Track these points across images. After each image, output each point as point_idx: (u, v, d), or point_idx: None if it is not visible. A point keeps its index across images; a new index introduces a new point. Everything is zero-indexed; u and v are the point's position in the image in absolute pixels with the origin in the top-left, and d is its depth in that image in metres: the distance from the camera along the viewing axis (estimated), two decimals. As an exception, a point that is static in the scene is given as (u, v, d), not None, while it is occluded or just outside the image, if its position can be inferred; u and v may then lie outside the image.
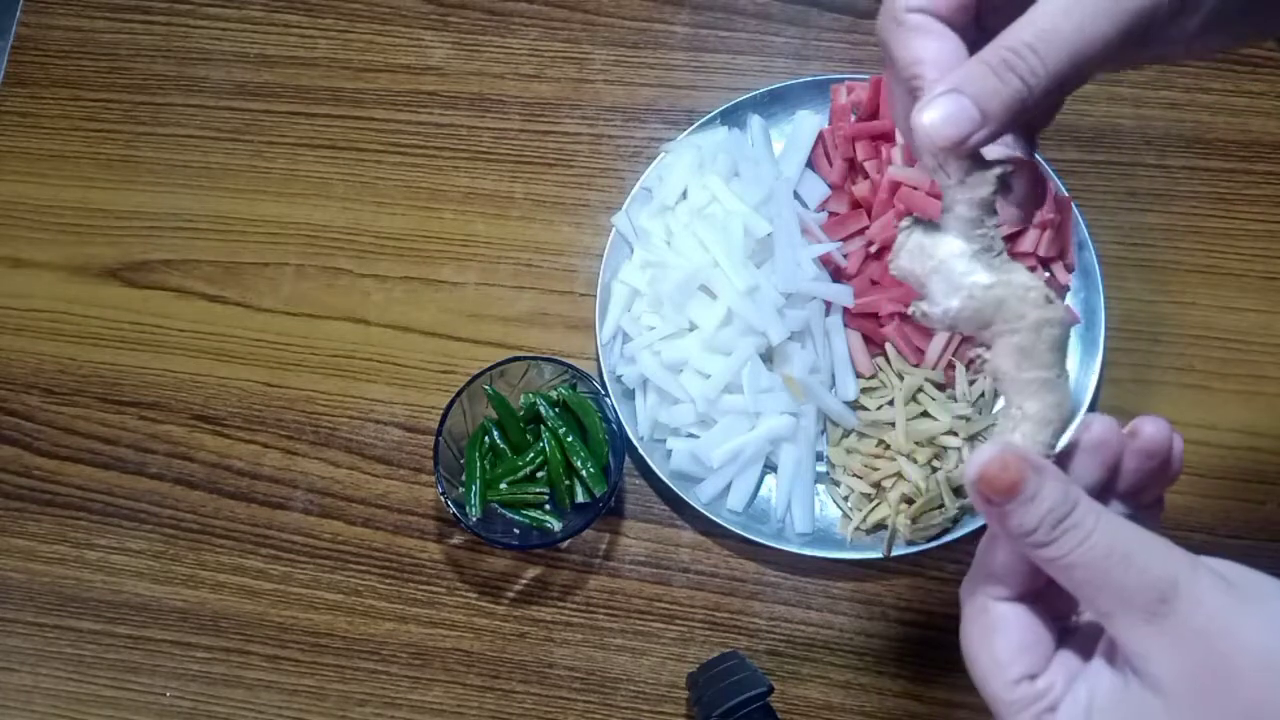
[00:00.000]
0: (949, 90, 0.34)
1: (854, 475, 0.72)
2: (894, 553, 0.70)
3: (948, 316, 0.38)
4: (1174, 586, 0.33)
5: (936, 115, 0.34)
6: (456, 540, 0.75)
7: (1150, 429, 0.39)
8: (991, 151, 0.37)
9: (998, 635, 0.36)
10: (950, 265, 0.37)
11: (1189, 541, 0.72)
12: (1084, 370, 0.73)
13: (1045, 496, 0.34)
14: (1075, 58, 0.34)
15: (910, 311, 0.38)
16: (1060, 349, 0.38)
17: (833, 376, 0.74)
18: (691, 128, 0.78)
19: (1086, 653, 0.37)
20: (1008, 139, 0.37)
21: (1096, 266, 0.74)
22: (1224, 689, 0.32)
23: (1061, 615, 0.38)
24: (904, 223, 0.39)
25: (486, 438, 0.73)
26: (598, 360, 0.75)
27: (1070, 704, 0.35)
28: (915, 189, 0.73)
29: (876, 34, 0.38)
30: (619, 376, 0.74)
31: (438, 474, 0.69)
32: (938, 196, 0.72)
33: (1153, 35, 0.34)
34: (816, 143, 0.78)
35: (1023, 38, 0.34)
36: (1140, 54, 0.36)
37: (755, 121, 0.78)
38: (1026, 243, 0.74)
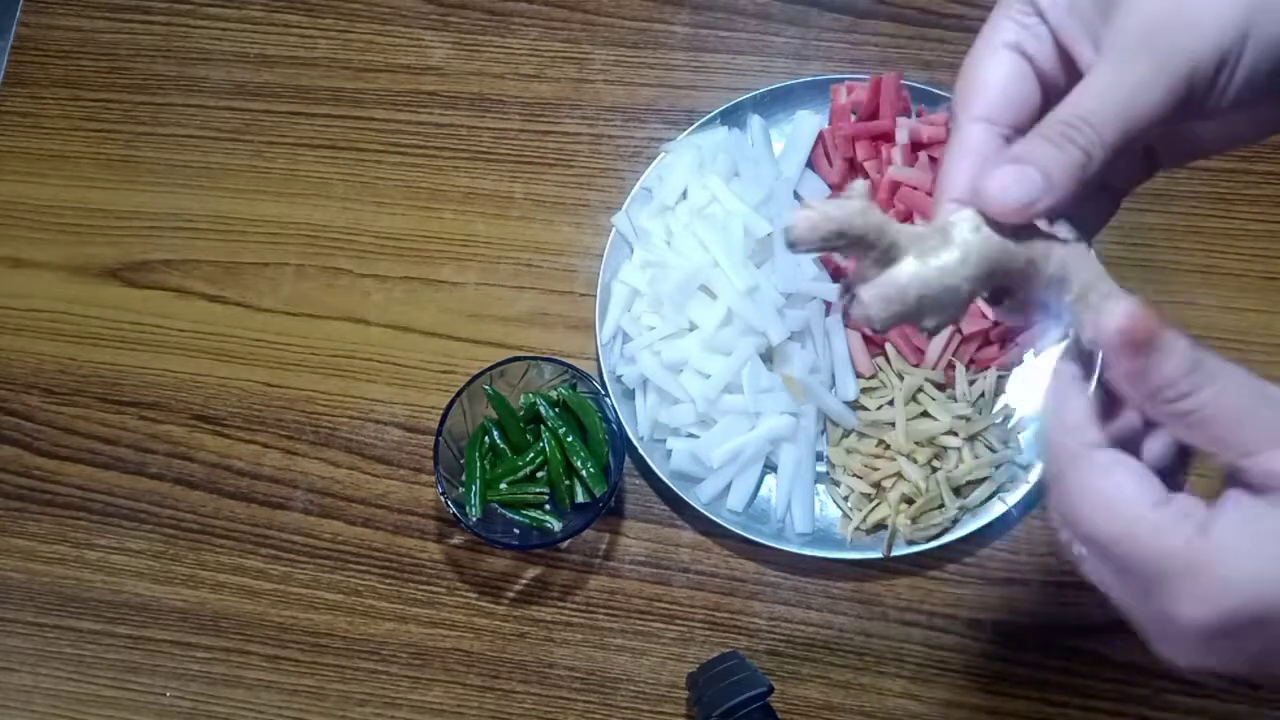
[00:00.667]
0: (1014, 159, 0.36)
1: (854, 475, 0.72)
2: (894, 553, 0.70)
3: (961, 308, 0.38)
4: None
5: (1007, 179, 0.35)
6: (456, 540, 0.75)
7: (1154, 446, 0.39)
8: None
9: (1118, 471, 0.35)
10: (921, 277, 0.37)
11: (1189, 541, 0.72)
12: (1084, 370, 0.73)
13: (1179, 346, 0.35)
14: (1128, 126, 0.36)
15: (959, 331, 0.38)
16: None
17: (833, 376, 0.74)
18: (691, 128, 0.78)
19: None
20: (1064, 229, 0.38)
21: (1096, 266, 0.74)
22: None
23: None
24: (843, 297, 0.38)
25: (486, 438, 0.73)
26: (598, 360, 0.75)
27: (1223, 519, 0.34)
28: (915, 189, 0.73)
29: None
30: (619, 376, 0.74)
31: (438, 474, 0.69)
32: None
33: (1196, 100, 0.36)
34: (816, 143, 0.78)
35: (1077, 111, 0.35)
36: (1186, 128, 0.38)
37: (755, 121, 0.78)
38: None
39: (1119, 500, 0.35)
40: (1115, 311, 0.36)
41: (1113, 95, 0.36)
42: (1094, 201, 0.41)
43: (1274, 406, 0.34)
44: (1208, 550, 0.33)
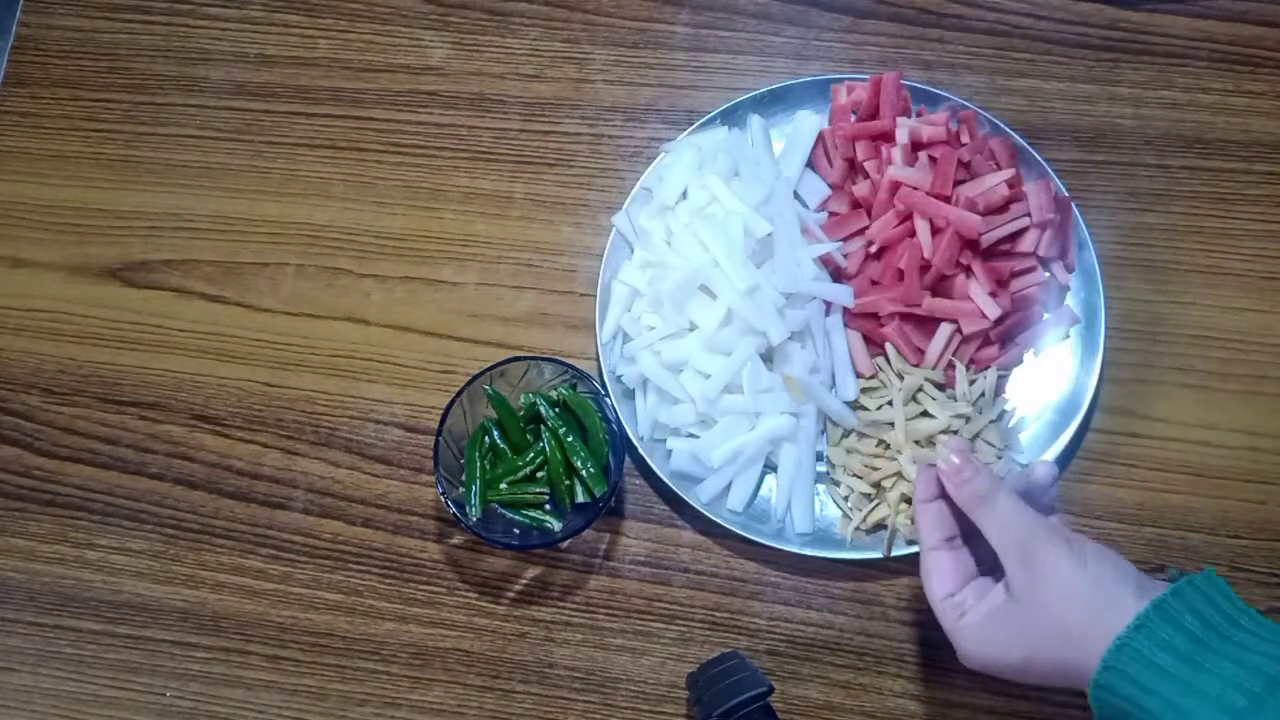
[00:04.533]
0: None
1: (854, 475, 0.72)
2: (894, 553, 0.70)
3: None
4: (1034, 538, 0.55)
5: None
6: (456, 540, 0.75)
7: (1041, 471, 0.60)
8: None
9: (933, 570, 0.59)
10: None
11: (1187, 541, 0.73)
12: (1084, 370, 0.73)
13: (979, 480, 0.58)
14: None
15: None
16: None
17: (833, 376, 0.74)
18: (691, 128, 0.78)
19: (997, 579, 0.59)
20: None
21: (1096, 266, 0.74)
22: (1046, 599, 0.54)
23: (981, 561, 0.60)
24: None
25: (486, 438, 0.73)
26: (598, 360, 0.75)
27: (974, 610, 0.57)
28: (915, 189, 0.73)
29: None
30: (619, 376, 0.74)
31: (438, 474, 0.69)
32: (943, 198, 0.72)
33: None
34: (816, 143, 0.78)
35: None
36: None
37: (755, 121, 0.78)
38: (1027, 242, 0.74)
39: (929, 587, 0.60)
40: (944, 454, 0.59)
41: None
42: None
43: (1016, 532, 0.56)
44: (959, 633, 0.57)
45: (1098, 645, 0.51)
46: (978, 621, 0.57)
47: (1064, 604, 0.53)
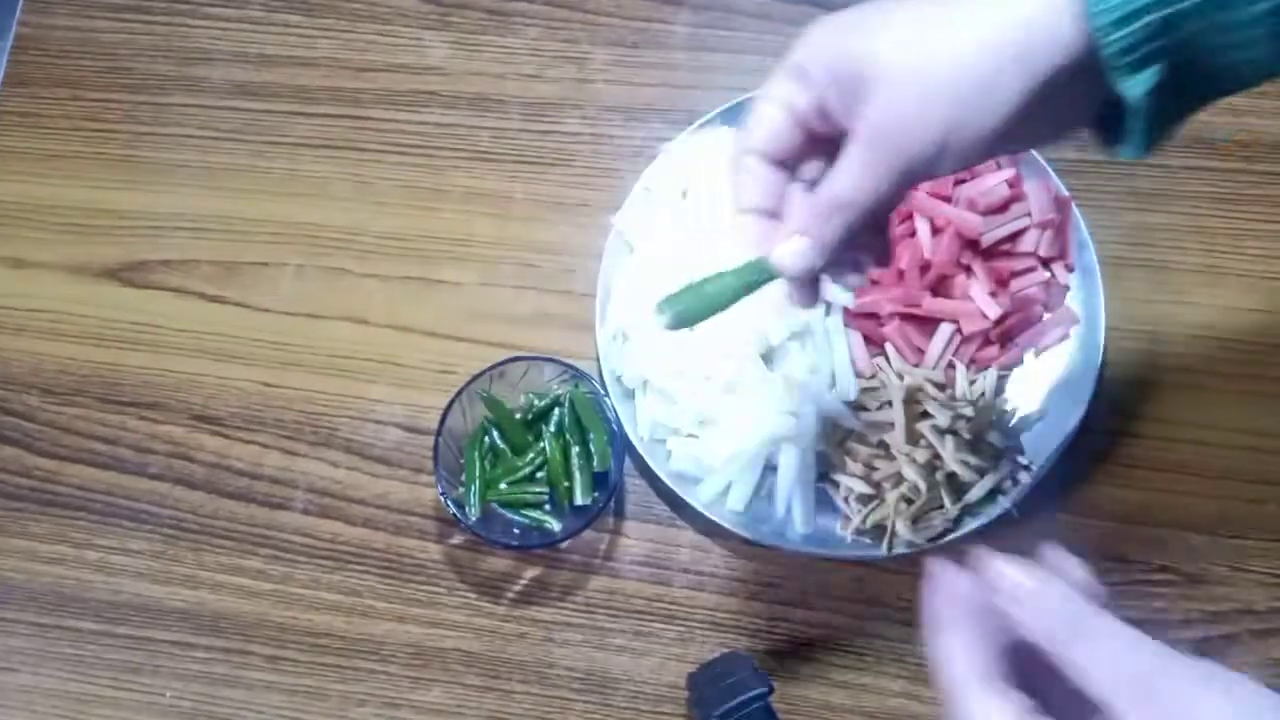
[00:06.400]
0: (794, 232, 0.49)
1: (854, 475, 0.72)
2: (894, 552, 0.70)
3: None
4: (1156, 674, 0.37)
5: (790, 250, 0.49)
6: (456, 540, 0.75)
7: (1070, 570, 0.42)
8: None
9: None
10: None
11: (1188, 541, 0.73)
12: (1084, 370, 0.73)
13: (1054, 596, 0.39)
14: (872, 205, 0.47)
15: None
16: None
17: (833, 376, 0.73)
18: (691, 128, 0.78)
19: None
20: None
21: (1097, 266, 0.74)
22: None
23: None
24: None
25: (486, 438, 0.73)
26: (598, 360, 0.75)
27: None
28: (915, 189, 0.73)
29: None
30: (619, 376, 0.74)
31: (438, 474, 0.69)
32: (943, 197, 0.72)
33: (917, 179, 0.47)
34: (816, 143, 0.78)
35: (838, 194, 0.47)
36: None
37: (755, 121, 0.78)
38: (1027, 242, 0.74)
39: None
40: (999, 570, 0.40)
41: (859, 184, 0.47)
42: (871, 241, 0.51)
43: (1129, 656, 0.37)
44: None
45: None
46: None
47: None
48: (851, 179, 0.47)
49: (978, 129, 0.44)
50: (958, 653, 0.40)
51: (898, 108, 0.45)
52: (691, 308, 0.51)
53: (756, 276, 0.51)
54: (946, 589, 0.41)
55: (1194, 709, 0.36)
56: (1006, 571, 0.39)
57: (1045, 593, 0.39)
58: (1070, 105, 0.45)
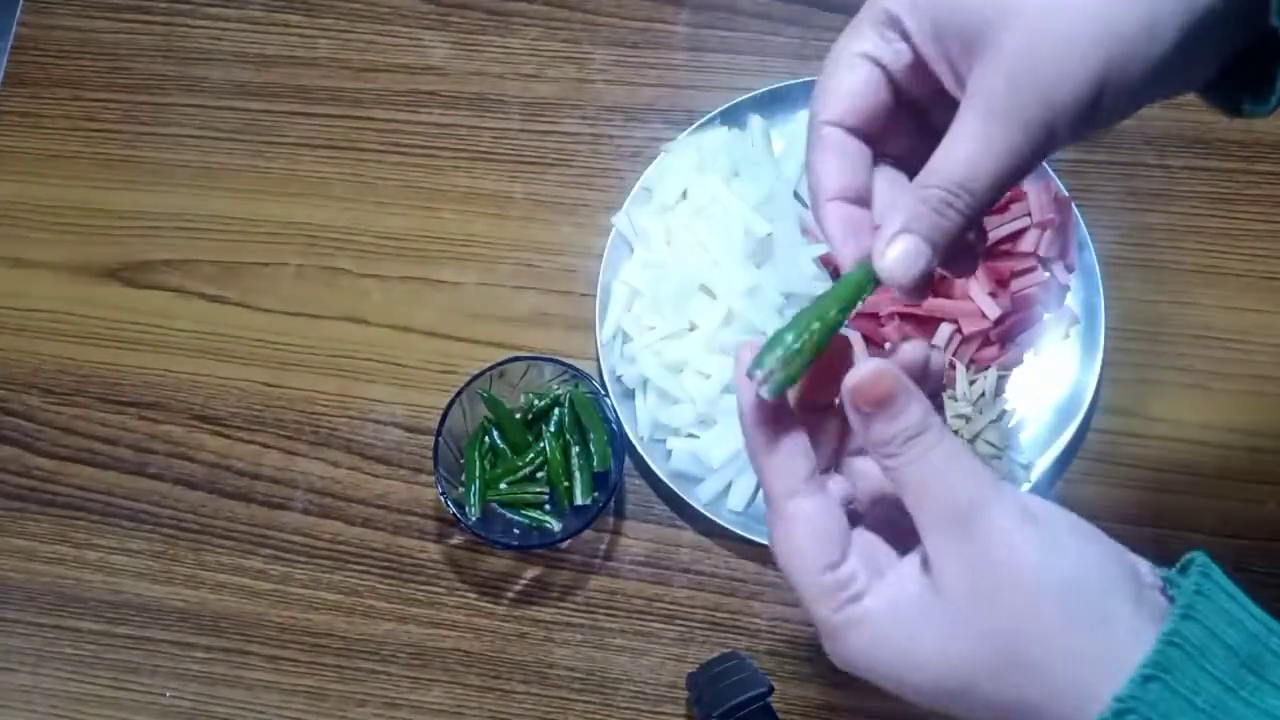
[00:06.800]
0: (901, 231, 0.39)
1: (854, 475, 0.72)
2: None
3: None
4: (977, 508, 0.36)
5: (898, 254, 0.39)
6: (456, 540, 0.75)
7: (908, 347, 0.41)
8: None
9: (797, 527, 0.39)
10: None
11: (1188, 541, 0.73)
12: (1084, 370, 0.73)
13: (909, 415, 0.37)
14: (1001, 186, 0.39)
15: None
16: None
17: (833, 376, 0.73)
18: (691, 128, 0.78)
19: (898, 549, 0.40)
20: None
21: (1096, 266, 0.74)
22: (993, 602, 0.35)
23: (845, 502, 0.41)
24: None
25: (486, 438, 0.73)
26: (598, 360, 0.75)
27: (875, 595, 0.38)
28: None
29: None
30: (619, 376, 0.74)
31: (438, 474, 0.69)
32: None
33: (1055, 146, 0.38)
34: (816, 143, 0.78)
35: (953, 179, 0.38)
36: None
37: (755, 121, 0.78)
38: (1027, 242, 0.74)
39: (793, 555, 0.39)
40: (860, 369, 0.37)
41: (985, 160, 0.38)
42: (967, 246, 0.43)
43: (949, 489, 0.36)
44: (846, 628, 0.38)
45: (1071, 688, 0.35)
46: (879, 612, 0.38)
47: (1021, 610, 0.35)
48: (972, 150, 0.38)
49: (1138, 73, 0.37)
50: (774, 456, 0.39)
51: (1040, 50, 0.36)
52: (788, 359, 0.39)
53: (857, 292, 0.40)
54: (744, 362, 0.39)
55: (1013, 550, 0.35)
56: (855, 378, 0.37)
57: (898, 399, 0.37)
58: (1212, 51, 0.39)
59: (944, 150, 0.38)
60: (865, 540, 0.40)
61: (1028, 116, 0.37)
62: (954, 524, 0.36)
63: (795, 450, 0.39)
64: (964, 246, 0.41)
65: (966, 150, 0.38)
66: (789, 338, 0.39)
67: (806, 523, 0.38)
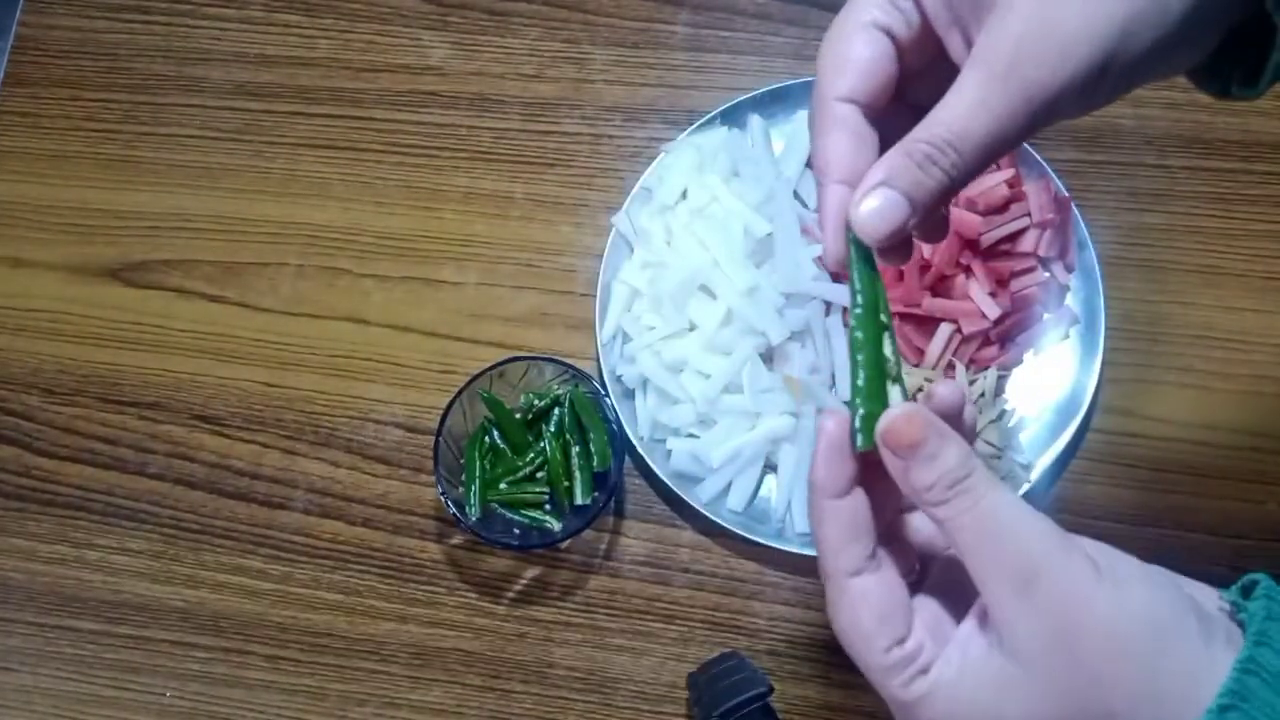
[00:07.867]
0: (880, 184, 0.37)
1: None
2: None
3: None
4: (1043, 564, 0.35)
5: (873, 207, 0.37)
6: (456, 540, 0.75)
7: (943, 391, 0.41)
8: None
9: (859, 606, 0.38)
10: None
11: (1187, 541, 0.72)
12: (1084, 370, 0.73)
13: (946, 458, 0.36)
14: (992, 152, 0.37)
15: None
16: None
17: (833, 376, 0.74)
18: (691, 128, 0.78)
19: (958, 612, 0.39)
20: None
21: (1096, 266, 0.74)
22: (1071, 659, 0.34)
23: (906, 572, 0.40)
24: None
25: (486, 438, 0.73)
26: (598, 360, 0.75)
27: (943, 665, 0.37)
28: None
29: (809, 114, 0.41)
30: (619, 376, 0.74)
31: (438, 474, 0.69)
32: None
33: (1055, 118, 0.37)
34: (816, 143, 0.78)
35: (943, 134, 0.36)
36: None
37: (755, 121, 0.78)
38: (1026, 242, 0.74)
39: (858, 634, 0.38)
40: (890, 414, 0.37)
41: (980, 120, 0.36)
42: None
43: (1013, 546, 0.35)
44: (919, 704, 0.37)
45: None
46: (948, 682, 0.37)
47: (1101, 665, 0.34)
48: (967, 109, 0.36)
49: (1147, 43, 0.36)
50: (835, 533, 0.38)
51: (1053, 13, 0.36)
52: (866, 393, 0.38)
53: (871, 286, 0.40)
54: (830, 448, 0.38)
55: (1084, 604, 0.35)
56: (894, 416, 0.37)
57: (930, 443, 0.36)
58: (1212, 28, 0.38)
59: (938, 108, 0.37)
60: (927, 607, 0.39)
61: (1030, 80, 0.36)
62: (1020, 582, 0.35)
63: (859, 525, 0.38)
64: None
65: (961, 108, 0.37)
66: (858, 378, 0.38)
67: (871, 601, 0.38)
